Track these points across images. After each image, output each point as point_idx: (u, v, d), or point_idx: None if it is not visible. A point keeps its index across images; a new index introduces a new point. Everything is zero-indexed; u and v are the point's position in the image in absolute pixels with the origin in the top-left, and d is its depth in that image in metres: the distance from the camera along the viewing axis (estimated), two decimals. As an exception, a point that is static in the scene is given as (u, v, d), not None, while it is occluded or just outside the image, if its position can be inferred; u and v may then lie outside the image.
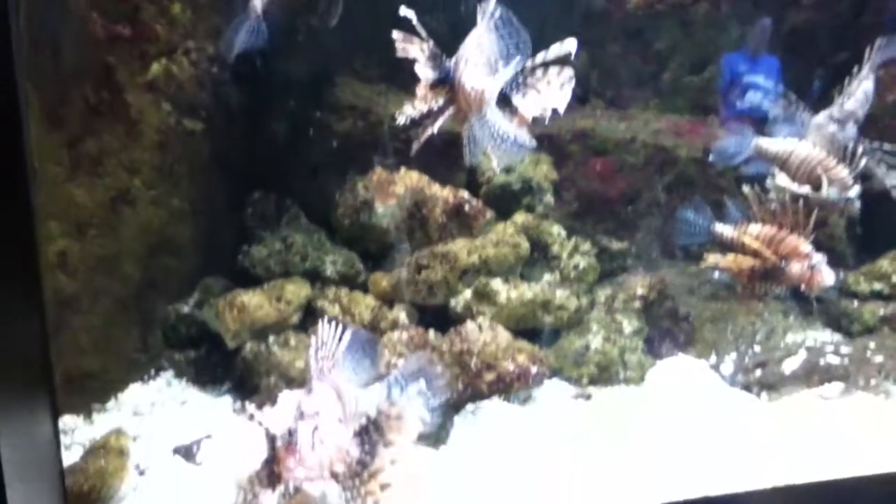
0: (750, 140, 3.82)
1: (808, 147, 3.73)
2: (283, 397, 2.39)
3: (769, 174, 3.86)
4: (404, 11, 2.96)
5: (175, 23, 3.87)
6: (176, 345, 3.89)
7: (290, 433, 2.23)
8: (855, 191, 3.76)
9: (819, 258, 3.68)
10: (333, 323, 2.47)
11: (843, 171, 3.76)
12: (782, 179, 3.80)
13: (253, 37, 3.66)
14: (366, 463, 2.32)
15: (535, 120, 2.85)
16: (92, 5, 3.55)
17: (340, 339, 2.47)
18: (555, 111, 2.76)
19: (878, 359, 3.76)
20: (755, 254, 3.79)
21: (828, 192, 3.76)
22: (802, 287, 3.79)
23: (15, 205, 2.07)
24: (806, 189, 3.74)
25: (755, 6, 4.63)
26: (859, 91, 3.76)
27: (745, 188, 3.85)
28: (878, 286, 4.23)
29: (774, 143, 3.79)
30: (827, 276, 3.69)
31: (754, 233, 3.83)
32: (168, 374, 3.77)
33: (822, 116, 3.77)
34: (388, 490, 2.32)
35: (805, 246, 3.73)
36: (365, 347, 2.61)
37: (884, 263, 4.24)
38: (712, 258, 3.84)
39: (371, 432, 2.36)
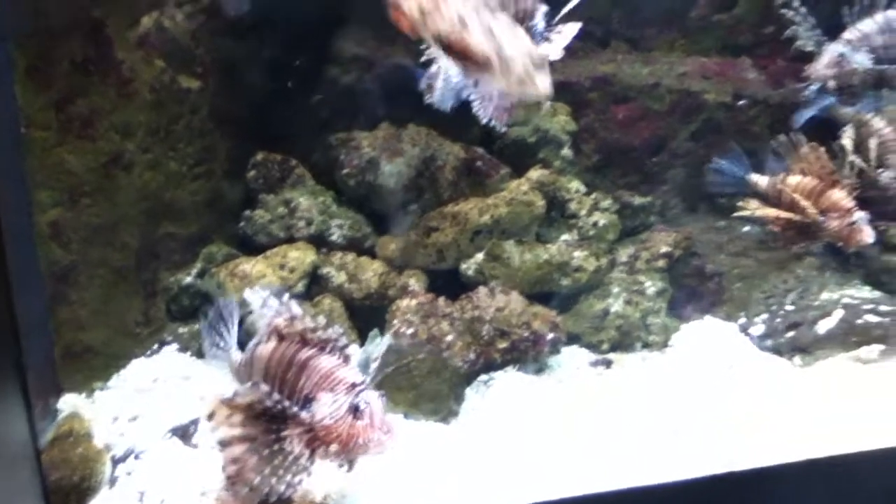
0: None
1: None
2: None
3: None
4: None
5: (165, -28, 3.65)
6: (179, 317, 3.76)
7: None
8: None
9: (861, 215, 3.48)
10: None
11: None
12: (848, 142, 3.63)
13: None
14: None
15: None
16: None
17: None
18: None
19: (921, 318, 3.53)
20: (793, 206, 3.59)
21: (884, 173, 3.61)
22: (840, 244, 3.59)
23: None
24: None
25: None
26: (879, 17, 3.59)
27: (784, 137, 3.67)
28: (922, 237, 3.97)
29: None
30: (867, 234, 3.50)
31: (793, 184, 3.63)
32: (171, 348, 3.64)
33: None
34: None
35: (847, 201, 3.53)
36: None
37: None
38: (752, 204, 3.68)
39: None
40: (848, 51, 3.59)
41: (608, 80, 4.25)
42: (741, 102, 4.21)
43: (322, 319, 2.44)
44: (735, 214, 3.78)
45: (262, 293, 2.48)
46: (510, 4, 2.99)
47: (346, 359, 2.40)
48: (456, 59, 2.60)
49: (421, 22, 2.52)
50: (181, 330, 3.70)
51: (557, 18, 2.91)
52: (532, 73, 2.57)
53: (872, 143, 3.60)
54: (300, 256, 3.71)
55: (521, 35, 2.56)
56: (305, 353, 2.39)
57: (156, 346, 3.64)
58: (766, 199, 3.77)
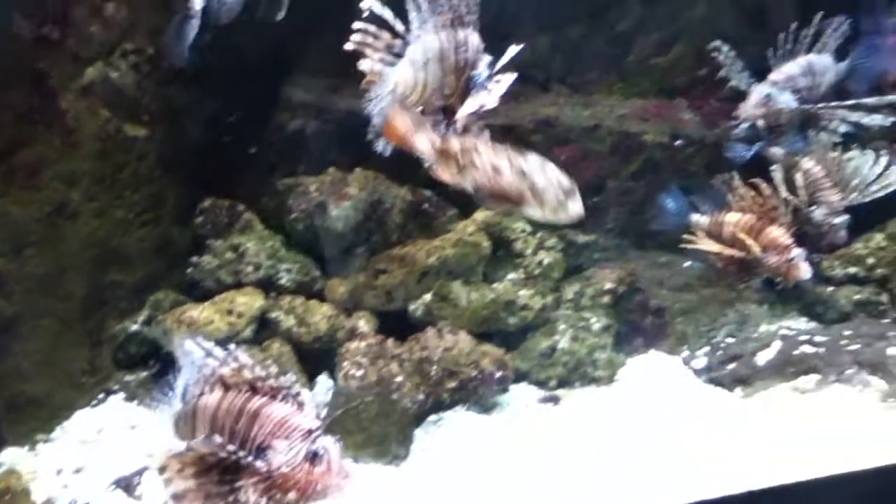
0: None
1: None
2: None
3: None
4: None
5: (110, 23, 3.67)
6: (126, 365, 3.73)
7: None
8: (841, 218, 3.73)
9: (798, 252, 3.62)
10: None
11: (833, 196, 3.76)
12: (778, 176, 3.78)
13: (195, 34, 3.50)
14: None
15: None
16: (17, 6, 3.38)
17: None
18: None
19: (854, 347, 3.64)
20: (734, 243, 3.72)
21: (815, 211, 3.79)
22: (779, 279, 3.73)
23: None
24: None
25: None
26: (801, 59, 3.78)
27: (726, 176, 3.80)
28: (852, 270, 4.11)
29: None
30: (805, 270, 3.64)
31: (732, 221, 3.77)
32: (118, 398, 3.61)
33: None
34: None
35: (784, 238, 3.67)
36: None
37: (858, 246, 4.10)
38: (699, 238, 3.79)
39: None
40: (774, 91, 3.76)
41: (550, 123, 4.36)
42: (678, 142, 4.35)
43: (274, 367, 2.43)
44: (682, 245, 3.88)
45: (206, 344, 2.47)
46: (450, 55, 3.12)
47: (300, 405, 2.37)
48: (493, 201, 2.78)
49: (457, 173, 2.74)
50: (128, 378, 3.68)
51: (496, 68, 3.04)
52: (564, 200, 2.75)
53: (800, 181, 3.76)
54: (248, 301, 3.72)
55: (550, 167, 2.71)
56: (256, 402, 2.35)
57: (102, 396, 3.60)
58: (709, 236, 3.90)
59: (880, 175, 3.77)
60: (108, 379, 3.65)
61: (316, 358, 3.68)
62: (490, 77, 3.14)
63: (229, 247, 3.91)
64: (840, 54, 3.87)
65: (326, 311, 3.79)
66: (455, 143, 2.75)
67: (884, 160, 3.74)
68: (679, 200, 3.99)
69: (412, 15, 3.12)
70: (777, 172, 3.78)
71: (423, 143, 2.80)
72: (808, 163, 3.86)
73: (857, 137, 3.90)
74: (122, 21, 3.71)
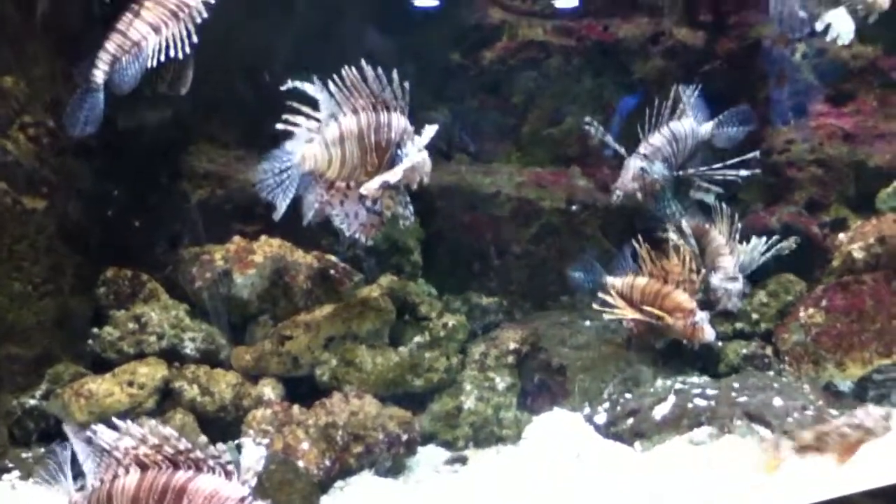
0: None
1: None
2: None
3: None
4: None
5: (7, 97, 3.66)
6: (23, 441, 3.62)
7: None
8: (735, 284, 4.03)
9: (702, 315, 3.92)
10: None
11: (728, 262, 4.16)
12: (674, 236, 4.14)
13: (97, 107, 3.52)
14: None
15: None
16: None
17: None
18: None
19: (742, 398, 3.82)
20: (643, 307, 4.06)
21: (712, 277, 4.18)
22: (685, 341, 3.97)
23: None
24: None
25: (605, 57, 4.74)
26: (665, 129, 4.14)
27: (634, 244, 4.16)
28: (739, 325, 4.36)
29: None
30: (709, 333, 4.00)
31: (641, 285, 4.10)
32: (12, 476, 3.47)
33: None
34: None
35: (689, 303, 3.97)
36: None
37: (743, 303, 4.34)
38: (615, 305, 4.12)
39: None
40: (646, 165, 4.04)
41: (453, 190, 4.52)
42: (574, 207, 4.57)
43: (203, 438, 2.36)
44: (598, 308, 4.15)
45: (122, 424, 2.39)
46: (370, 135, 3.46)
47: (228, 474, 2.29)
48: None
49: None
50: (24, 455, 3.54)
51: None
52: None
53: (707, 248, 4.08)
54: (150, 372, 3.66)
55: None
56: (182, 477, 2.29)
57: (-5, 475, 3.46)
58: (621, 297, 4.18)
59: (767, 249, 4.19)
60: (3, 456, 3.52)
61: (221, 427, 3.64)
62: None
63: (132, 317, 3.87)
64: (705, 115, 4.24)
65: (231, 379, 3.78)
66: None
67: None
68: (592, 267, 4.25)
69: (324, 98, 3.32)
70: (672, 239, 4.06)
71: None
72: (713, 231, 4.27)
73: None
74: (21, 95, 3.70)
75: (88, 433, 2.41)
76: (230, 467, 2.28)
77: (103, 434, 2.36)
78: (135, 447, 2.34)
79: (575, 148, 4.76)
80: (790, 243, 4.21)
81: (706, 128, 4.23)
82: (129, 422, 2.39)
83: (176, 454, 2.30)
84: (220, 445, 2.32)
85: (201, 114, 4.28)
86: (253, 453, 2.35)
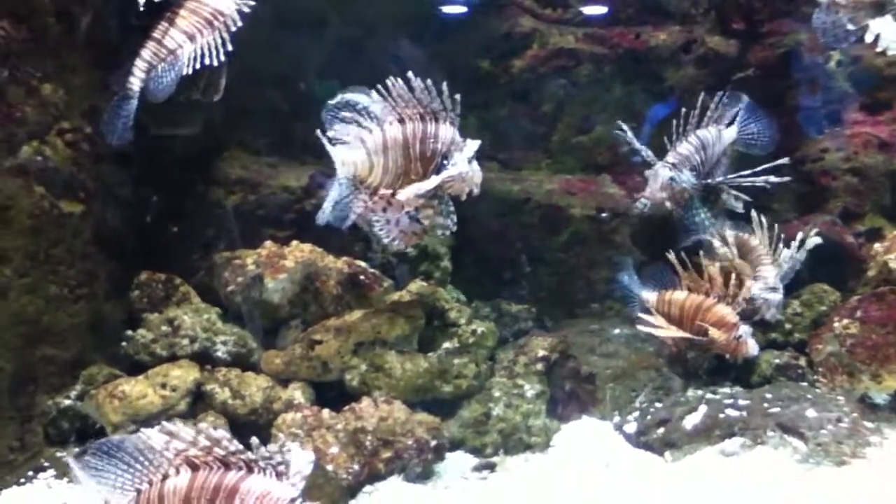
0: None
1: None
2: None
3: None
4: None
5: (46, 104, 3.72)
6: (58, 441, 3.66)
7: None
8: (775, 295, 3.99)
9: (745, 329, 3.84)
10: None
11: (770, 272, 4.04)
12: (721, 247, 4.04)
13: (133, 114, 3.58)
14: None
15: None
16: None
17: None
18: None
19: (775, 409, 3.78)
20: (682, 321, 4.01)
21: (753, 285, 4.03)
22: (727, 356, 3.91)
23: None
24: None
25: (637, 64, 4.73)
26: (692, 137, 4.08)
27: (671, 256, 4.07)
28: (772, 335, 4.30)
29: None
30: (752, 347, 3.91)
31: (680, 300, 4.04)
32: (48, 475, 3.52)
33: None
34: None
35: (731, 317, 3.90)
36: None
37: (778, 312, 4.29)
38: (658, 325, 4.03)
39: None
40: (676, 175, 4.01)
41: (482, 197, 4.52)
42: (604, 215, 4.56)
43: (255, 440, 2.32)
44: (641, 328, 4.08)
45: (173, 427, 2.34)
46: (416, 144, 3.51)
47: (279, 475, 2.29)
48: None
49: None
50: (59, 454, 3.60)
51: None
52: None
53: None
54: (182, 375, 3.71)
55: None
56: (234, 477, 2.30)
57: (31, 473, 3.52)
58: (657, 312, 4.11)
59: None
60: (38, 456, 3.58)
61: (251, 430, 3.66)
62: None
63: (165, 320, 3.92)
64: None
65: (262, 382, 3.81)
66: None
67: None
68: (631, 277, 4.19)
69: (374, 107, 3.38)
70: (727, 247, 4.01)
71: None
72: (753, 240, 4.14)
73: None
74: (59, 102, 3.77)
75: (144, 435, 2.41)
76: (281, 468, 2.29)
77: (153, 437, 2.35)
78: (185, 449, 2.34)
79: (605, 156, 4.77)
80: (817, 238, 4.08)
81: (731, 132, 4.19)
82: (179, 423, 2.41)
83: (227, 455, 2.31)
84: (272, 446, 2.33)
85: (234, 121, 4.35)
86: (302, 457, 2.35)
